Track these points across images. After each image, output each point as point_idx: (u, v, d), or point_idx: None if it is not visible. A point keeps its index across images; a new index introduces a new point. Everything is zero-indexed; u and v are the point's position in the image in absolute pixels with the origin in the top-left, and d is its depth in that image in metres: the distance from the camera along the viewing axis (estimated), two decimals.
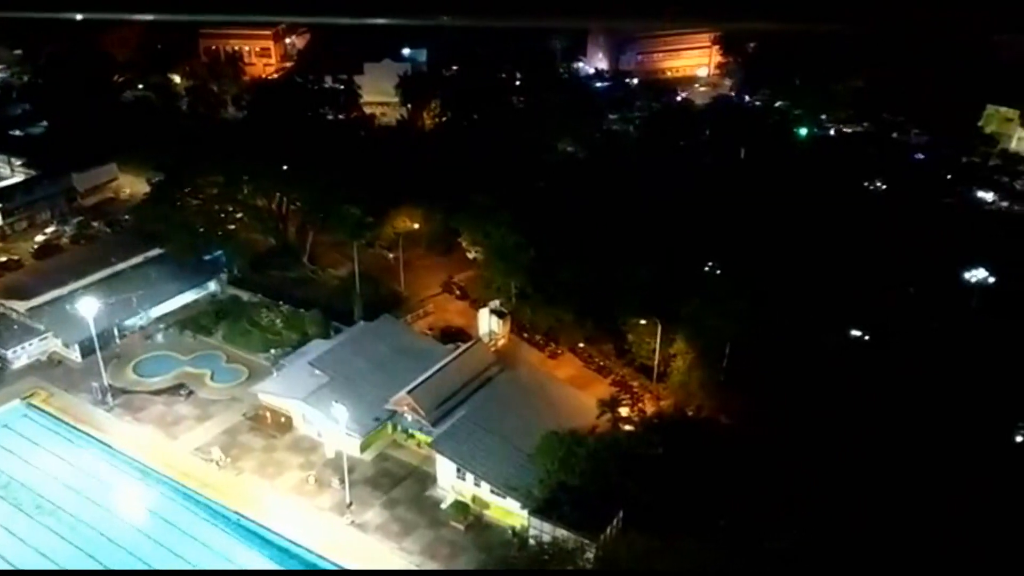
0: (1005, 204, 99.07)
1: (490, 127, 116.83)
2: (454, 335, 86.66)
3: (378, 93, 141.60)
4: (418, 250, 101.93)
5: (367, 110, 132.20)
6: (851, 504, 61.10)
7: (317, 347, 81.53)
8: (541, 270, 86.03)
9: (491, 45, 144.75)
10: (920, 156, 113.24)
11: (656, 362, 79.45)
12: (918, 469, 64.05)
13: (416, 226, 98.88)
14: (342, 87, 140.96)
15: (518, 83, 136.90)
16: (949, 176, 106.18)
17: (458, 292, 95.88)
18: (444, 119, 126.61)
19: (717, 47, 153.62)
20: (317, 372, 76.20)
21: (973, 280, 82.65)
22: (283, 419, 75.73)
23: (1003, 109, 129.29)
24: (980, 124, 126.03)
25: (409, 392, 71.69)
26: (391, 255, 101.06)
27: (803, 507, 59.68)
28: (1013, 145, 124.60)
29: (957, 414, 68.95)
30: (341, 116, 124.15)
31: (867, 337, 78.28)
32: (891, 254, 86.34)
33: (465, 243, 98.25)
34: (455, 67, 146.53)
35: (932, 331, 77.09)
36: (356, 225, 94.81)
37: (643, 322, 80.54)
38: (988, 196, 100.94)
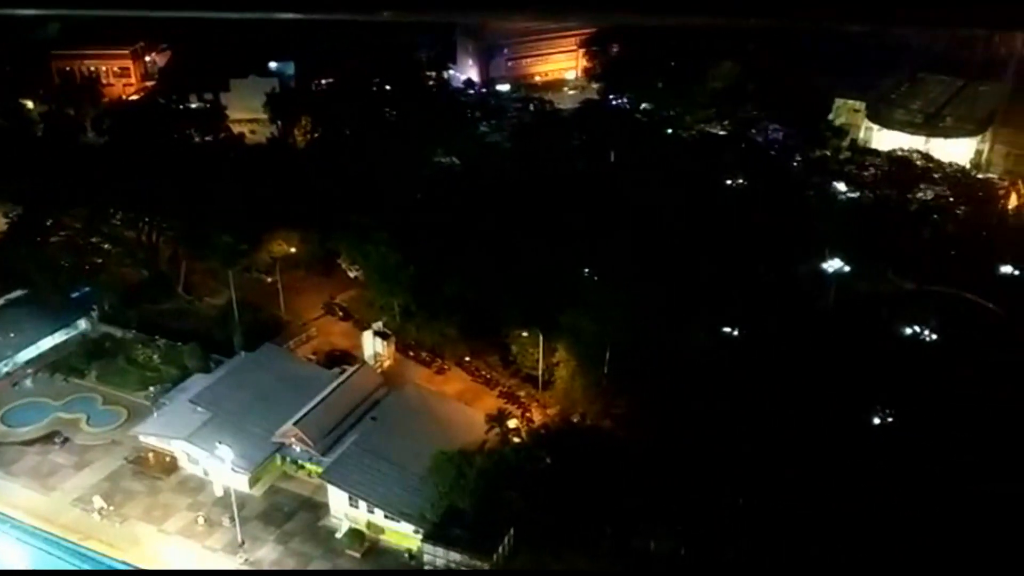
0: (856, 195, 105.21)
1: (363, 142, 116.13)
2: (339, 359, 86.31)
3: (246, 110, 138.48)
4: (298, 272, 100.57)
5: (236, 129, 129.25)
6: (730, 499, 64.36)
7: (198, 382, 79.91)
8: (423, 286, 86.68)
9: (358, 56, 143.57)
10: (776, 152, 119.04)
11: (540, 371, 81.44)
12: (789, 458, 67.81)
13: (293, 249, 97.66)
14: (208, 106, 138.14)
15: (388, 95, 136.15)
16: (804, 170, 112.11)
17: (341, 313, 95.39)
18: (316, 135, 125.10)
19: (583, 50, 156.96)
20: (200, 409, 74.74)
21: (831, 270, 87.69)
22: (167, 460, 74.01)
23: (851, 101, 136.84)
24: (831, 117, 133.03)
25: (296, 423, 71.25)
26: (269, 279, 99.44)
27: (684, 506, 62.58)
28: (861, 135, 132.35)
29: (822, 401, 73.26)
30: (208, 137, 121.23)
31: (736, 333, 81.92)
32: (755, 250, 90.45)
33: (344, 263, 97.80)
34: (324, 80, 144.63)
35: (793, 323, 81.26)
36: (230, 252, 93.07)
37: (525, 333, 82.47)
38: (841, 187, 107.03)
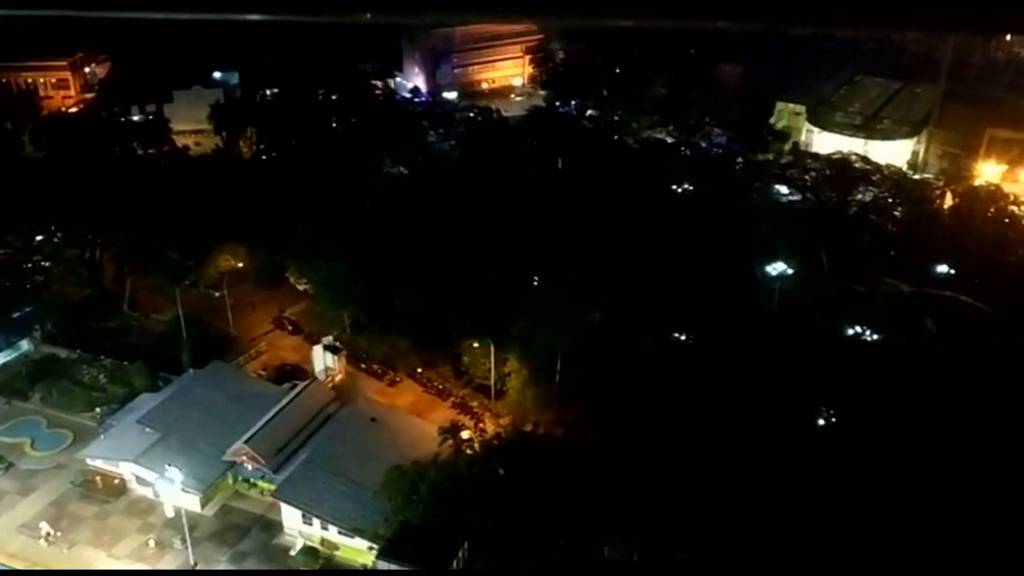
0: (798, 198, 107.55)
1: (309, 153, 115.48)
2: (290, 374, 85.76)
3: (190, 122, 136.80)
4: (246, 286, 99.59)
5: (180, 141, 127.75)
6: (683, 502, 65.40)
7: (146, 402, 78.81)
8: (374, 298, 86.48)
9: (304, 66, 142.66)
10: (720, 156, 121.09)
11: (492, 381, 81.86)
12: (739, 460, 69.10)
13: (241, 264, 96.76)
14: (150, 118, 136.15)
15: (334, 104, 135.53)
16: (748, 174, 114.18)
17: (290, 327, 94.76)
18: (262, 147, 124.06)
19: (529, 57, 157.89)
20: (148, 429, 73.73)
21: (775, 273, 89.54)
22: (116, 482, 72.89)
23: (792, 104, 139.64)
24: (772, 120, 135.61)
25: (247, 441, 70.72)
26: (217, 294, 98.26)
27: (637, 511, 63.44)
28: (803, 138, 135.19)
29: (769, 402, 74.81)
30: (152, 150, 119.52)
31: (684, 337, 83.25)
32: (701, 255, 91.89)
33: (293, 277, 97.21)
34: (270, 91, 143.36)
35: (740, 326, 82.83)
36: (176, 268, 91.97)
37: (477, 343, 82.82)
38: (784, 190, 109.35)
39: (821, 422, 73.68)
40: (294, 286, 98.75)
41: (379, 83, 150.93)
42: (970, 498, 62.24)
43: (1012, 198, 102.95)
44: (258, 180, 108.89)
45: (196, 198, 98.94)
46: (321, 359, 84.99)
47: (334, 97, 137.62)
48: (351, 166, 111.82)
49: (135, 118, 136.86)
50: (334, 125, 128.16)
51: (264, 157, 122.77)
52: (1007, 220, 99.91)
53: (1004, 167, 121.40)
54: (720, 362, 78.21)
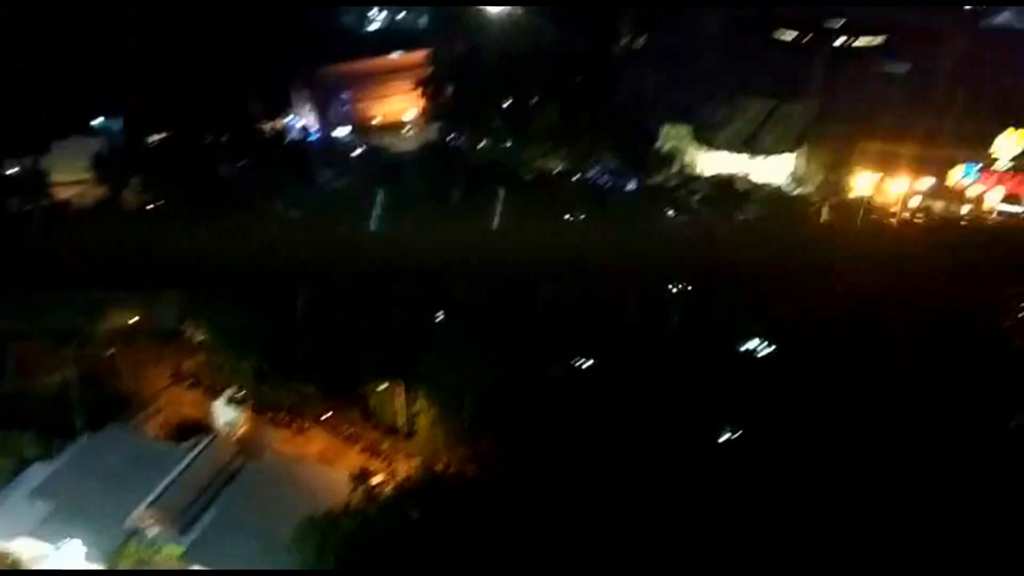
0: (686, 219, 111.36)
1: (199, 199, 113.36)
2: (191, 430, 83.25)
3: (72, 172, 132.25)
4: (141, 341, 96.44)
5: (61, 194, 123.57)
6: (601, 526, 66.48)
7: (39, 472, 75.54)
8: (275, 346, 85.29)
9: (189, 110, 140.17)
10: (611, 182, 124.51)
11: (402, 422, 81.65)
12: (651, 480, 70.78)
13: (134, 318, 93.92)
14: (26, 171, 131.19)
15: (222, 148, 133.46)
16: (638, 198, 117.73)
17: (190, 381, 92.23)
18: (149, 196, 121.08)
19: (420, 91, 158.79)
20: (41, 501, 70.76)
21: (674, 292, 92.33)
22: (8, 560, 69.41)
23: (677, 126, 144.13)
24: (659, 143, 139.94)
25: (149, 505, 68.64)
26: (111, 351, 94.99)
27: (556, 539, 64.27)
28: (689, 159, 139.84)
29: (675, 420, 77.00)
30: (29, 205, 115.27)
31: (588, 363, 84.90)
32: (598, 280, 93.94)
33: (190, 329, 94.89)
34: (155, 137, 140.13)
35: (640, 347, 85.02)
36: (65, 327, 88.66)
37: (384, 384, 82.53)
38: (672, 214, 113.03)
39: (726, 437, 76.09)
40: (191, 338, 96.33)
41: (269, 124, 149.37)
42: (877, 508, 65.75)
43: (882, 209, 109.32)
44: (147, 230, 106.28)
45: (80, 252, 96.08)
46: (223, 413, 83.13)
47: (223, 140, 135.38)
48: (242, 211, 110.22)
49: (8, 172, 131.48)
50: (223, 169, 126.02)
51: (152, 206, 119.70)
52: (877, 231, 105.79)
53: (876, 179, 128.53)
54: (624, 384, 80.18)
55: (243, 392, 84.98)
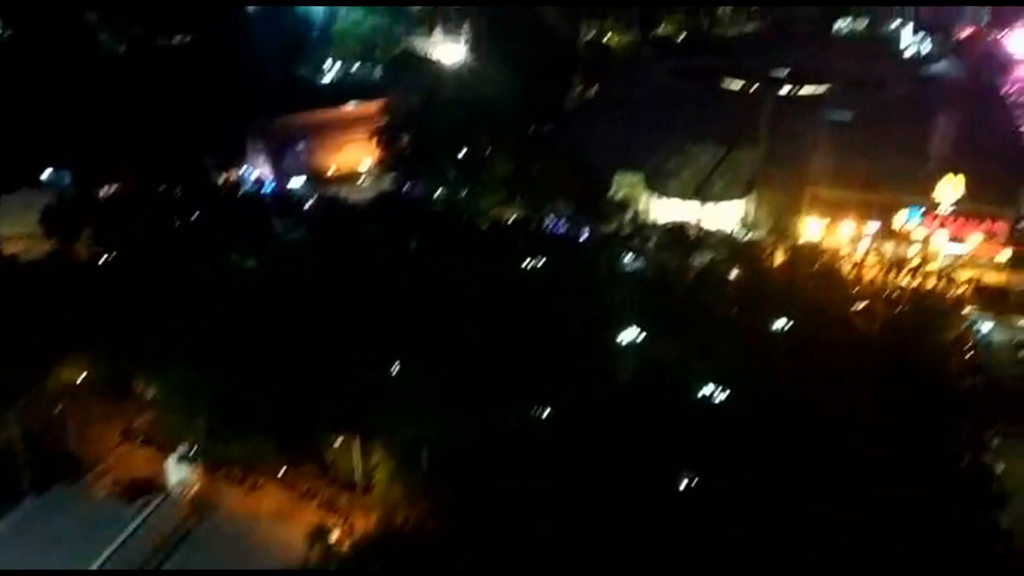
0: (640, 265, 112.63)
1: (152, 252, 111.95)
2: (142, 489, 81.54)
3: (20, 225, 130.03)
4: (91, 399, 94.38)
5: (8, 249, 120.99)
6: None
7: None
8: (228, 401, 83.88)
9: (142, 161, 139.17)
10: (566, 231, 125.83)
11: (359, 477, 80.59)
12: (609, 528, 70.53)
13: (83, 375, 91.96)
14: None
15: (176, 200, 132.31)
16: (593, 246, 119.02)
17: (141, 438, 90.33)
18: (100, 249, 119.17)
19: (375, 140, 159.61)
20: None
21: (625, 341, 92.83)
22: None
23: (629, 175, 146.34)
24: (612, 191, 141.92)
25: (98, 569, 66.60)
26: (59, 408, 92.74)
27: None
28: (642, 206, 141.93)
29: (632, 467, 76.99)
30: None
31: (545, 412, 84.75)
32: (556, 329, 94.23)
33: (141, 385, 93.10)
34: (106, 189, 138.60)
35: (596, 396, 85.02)
36: (10, 386, 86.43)
37: (341, 438, 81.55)
38: (627, 260, 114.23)
39: (684, 484, 76.27)
40: (142, 394, 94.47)
41: (223, 175, 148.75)
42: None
43: (831, 253, 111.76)
44: (97, 285, 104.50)
45: (28, 309, 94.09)
46: (175, 470, 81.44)
47: (177, 191, 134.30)
48: (197, 263, 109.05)
49: None
50: (176, 222, 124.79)
51: (103, 260, 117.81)
52: (828, 275, 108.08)
53: (825, 223, 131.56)
54: (582, 433, 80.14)
55: (195, 449, 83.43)
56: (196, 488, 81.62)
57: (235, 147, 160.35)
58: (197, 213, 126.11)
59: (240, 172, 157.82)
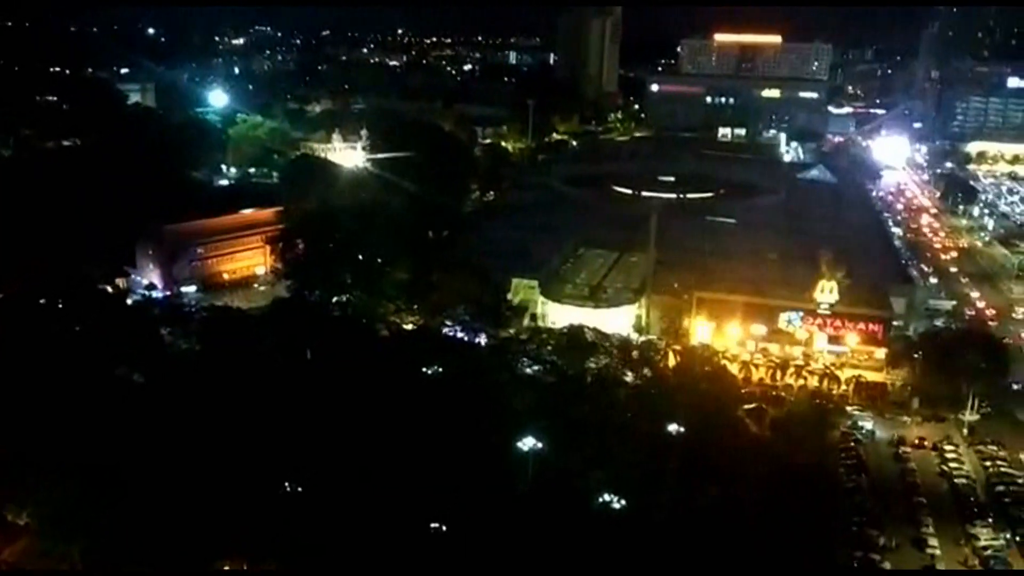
0: (538, 370, 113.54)
1: (30, 367, 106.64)
2: None
3: None
4: None
5: None
6: None
7: None
8: (108, 527, 79.48)
9: (21, 273, 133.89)
10: (464, 336, 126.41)
11: None
12: None
13: None
14: None
15: (58, 311, 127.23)
16: (491, 352, 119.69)
17: (11, 570, 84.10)
18: None
19: (271, 247, 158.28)
20: None
21: (527, 448, 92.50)
22: None
23: (525, 280, 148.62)
24: (509, 296, 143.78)
25: None
26: None
27: None
28: (539, 310, 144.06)
29: None
30: None
31: (443, 526, 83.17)
32: (455, 438, 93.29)
33: (11, 513, 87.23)
34: None
35: (495, 507, 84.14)
36: None
37: (228, 564, 78.13)
38: (526, 364, 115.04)
39: None
40: (14, 521, 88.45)
41: (110, 284, 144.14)
42: None
43: (721, 354, 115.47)
44: None
45: None
46: None
47: (59, 303, 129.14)
48: (79, 377, 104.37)
49: None
50: (59, 333, 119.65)
51: None
52: (717, 376, 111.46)
53: (712, 325, 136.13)
54: (477, 547, 78.93)
55: None
56: None
57: (123, 254, 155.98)
58: (80, 324, 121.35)
59: (128, 280, 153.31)
